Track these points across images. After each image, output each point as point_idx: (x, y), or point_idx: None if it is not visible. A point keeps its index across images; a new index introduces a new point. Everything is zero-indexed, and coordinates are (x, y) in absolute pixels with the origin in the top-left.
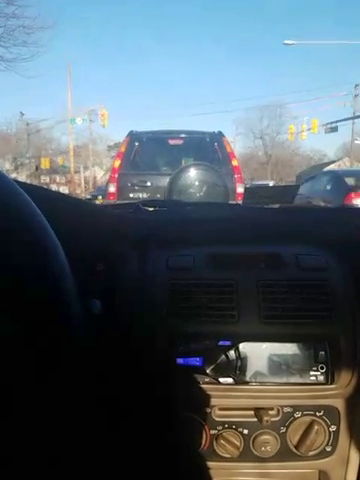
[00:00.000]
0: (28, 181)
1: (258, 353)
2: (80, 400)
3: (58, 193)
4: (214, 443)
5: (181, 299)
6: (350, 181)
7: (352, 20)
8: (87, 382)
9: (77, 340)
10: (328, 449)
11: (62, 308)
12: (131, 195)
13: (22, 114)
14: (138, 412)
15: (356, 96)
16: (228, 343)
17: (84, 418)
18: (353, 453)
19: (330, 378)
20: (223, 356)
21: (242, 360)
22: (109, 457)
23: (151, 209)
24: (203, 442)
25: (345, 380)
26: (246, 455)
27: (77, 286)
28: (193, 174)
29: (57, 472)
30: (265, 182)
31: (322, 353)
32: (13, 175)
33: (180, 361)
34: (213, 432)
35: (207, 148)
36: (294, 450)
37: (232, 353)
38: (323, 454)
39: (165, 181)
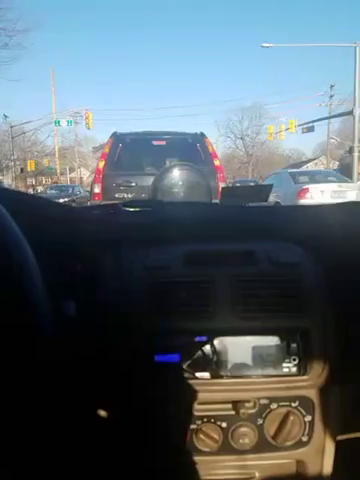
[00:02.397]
0: (14, 183)
1: (233, 347)
2: (52, 402)
3: (34, 196)
4: (194, 437)
5: (159, 297)
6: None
7: (326, 23)
8: (60, 384)
9: (45, 342)
10: (304, 439)
11: (28, 310)
12: (116, 195)
13: (6, 116)
14: (117, 411)
15: (331, 96)
16: (204, 338)
17: (58, 421)
18: (328, 442)
19: (302, 369)
20: (200, 351)
21: (218, 355)
22: (82, 457)
23: (132, 210)
24: (183, 437)
25: (317, 371)
26: (225, 448)
27: (50, 287)
28: (177, 174)
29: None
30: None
31: (294, 345)
32: None
33: (158, 358)
34: (192, 426)
35: (190, 149)
36: (271, 441)
37: (208, 348)
38: (299, 444)
39: (149, 181)
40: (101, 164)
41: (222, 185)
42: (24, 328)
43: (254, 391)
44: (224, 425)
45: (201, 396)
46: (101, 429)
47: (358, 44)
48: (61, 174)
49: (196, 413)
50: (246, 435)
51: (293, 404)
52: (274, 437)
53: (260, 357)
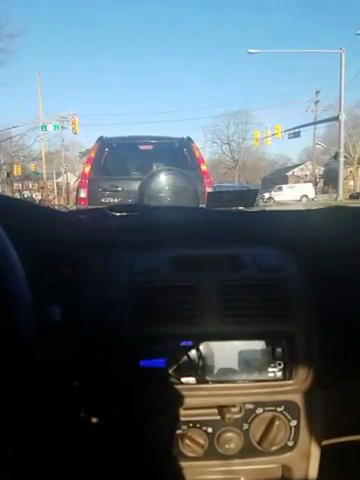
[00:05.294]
0: (0, 188)
1: (219, 352)
2: (34, 404)
3: (20, 200)
4: (179, 443)
5: (145, 302)
6: None
7: (311, 30)
8: (42, 386)
9: (24, 343)
10: (290, 444)
11: (9, 312)
12: (102, 200)
13: None
14: (102, 416)
15: (317, 102)
16: (190, 343)
17: (40, 423)
18: (314, 447)
19: (288, 374)
20: (186, 356)
21: (204, 359)
22: (69, 465)
23: (118, 214)
24: (168, 442)
25: (302, 375)
26: (211, 453)
27: (36, 290)
28: (164, 179)
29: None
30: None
31: (279, 350)
32: None
33: (144, 363)
34: (178, 432)
35: (176, 153)
36: (257, 446)
37: (194, 353)
38: (285, 449)
39: (136, 186)
40: (87, 169)
41: (209, 190)
42: (3, 329)
43: (240, 396)
44: (210, 430)
45: (187, 401)
46: (84, 434)
47: (344, 50)
48: (48, 179)
49: (182, 418)
50: (232, 440)
51: (278, 409)
52: (260, 442)
53: (246, 362)
